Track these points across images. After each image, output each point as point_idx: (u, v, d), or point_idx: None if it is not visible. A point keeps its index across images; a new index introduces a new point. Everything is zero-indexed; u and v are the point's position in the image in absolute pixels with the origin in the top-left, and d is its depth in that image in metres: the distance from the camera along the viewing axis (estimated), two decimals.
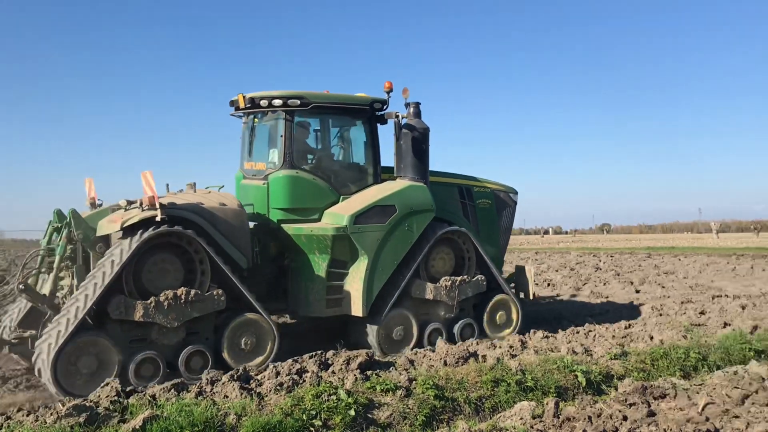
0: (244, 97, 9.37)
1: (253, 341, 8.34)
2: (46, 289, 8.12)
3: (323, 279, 9.16)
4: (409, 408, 6.21)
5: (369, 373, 6.88)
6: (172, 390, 6.26)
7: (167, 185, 9.33)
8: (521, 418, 5.83)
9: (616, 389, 7.01)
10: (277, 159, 9.40)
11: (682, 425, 5.52)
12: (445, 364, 7.48)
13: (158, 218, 7.73)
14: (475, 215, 11.09)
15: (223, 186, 9.73)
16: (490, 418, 6.22)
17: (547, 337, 9.48)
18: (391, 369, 7.22)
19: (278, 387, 6.31)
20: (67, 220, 8.07)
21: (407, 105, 9.93)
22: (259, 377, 6.75)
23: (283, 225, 9.25)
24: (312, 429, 5.64)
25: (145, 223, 7.77)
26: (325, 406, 5.86)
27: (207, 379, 6.59)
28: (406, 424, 6.06)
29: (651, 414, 5.96)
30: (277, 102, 9.20)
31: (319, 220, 9.35)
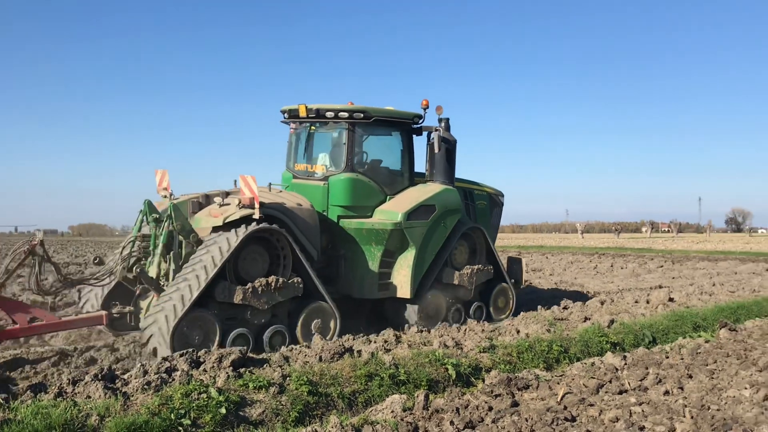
0: (306, 107, 10.65)
1: (319, 323, 9.60)
2: (151, 272, 9.07)
3: (377, 267, 10.55)
4: (282, 404, 6.17)
5: (242, 370, 6.75)
6: (29, 391, 5.88)
7: (234, 182, 10.66)
8: (392, 411, 5.93)
9: (484, 381, 7.29)
10: (335, 163, 10.85)
11: (542, 414, 5.81)
12: (321, 359, 7.48)
13: (256, 216, 8.98)
14: (474, 214, 12.69)
15: (288, 186, 11.09)
16: (363, 412, 6.28)
17: (420, 331, 9.70)
18: (265, 366, 7.12)
19: (146, 386, 6.06)
20: (168, 212, 9.03)
21: (440, 120, 11.45)
22: (125, 376, 6.46)
23: (342, 220, 10.59)
24: (180, 428, 5.47)
25: (243, 219, 8.99)
26: (194, 404, 5.71)
27: (68, 378, 6.24)
28: (278, 420, 6.01)
29: (515, 404, 6.24)
30: (344, 114, 10.61)
31: (370, 216, 10.77)
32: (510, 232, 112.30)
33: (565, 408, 6.08)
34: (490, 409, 6.03)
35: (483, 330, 9.79)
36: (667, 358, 8.42)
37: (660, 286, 17.65)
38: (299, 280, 9.38)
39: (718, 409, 6.04)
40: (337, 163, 10.81)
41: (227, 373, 6.54)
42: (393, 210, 10.68)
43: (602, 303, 12.80)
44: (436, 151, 11.34)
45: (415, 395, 6.27)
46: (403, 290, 10.63)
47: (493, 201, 13.26)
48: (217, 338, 8.58)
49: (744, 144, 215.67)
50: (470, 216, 12.50)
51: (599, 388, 6.87)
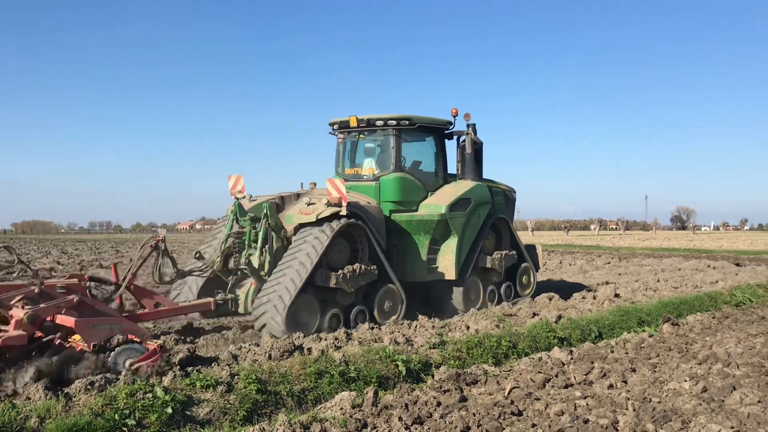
0: (357, 118, 12.01)
1: (390, 304, 11.08)
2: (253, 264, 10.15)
3: (425, 253, 11.95)
4: (230, 403, 6.11)
5: (189, 369, 6.66)
6: None
7: (301, 184, 12.37)
8: (341, 408, 5.93)
9: (433, 377, 7.33)
10: (383, 165, 12.20)
11: (489, 409, 5.87)
12: (270, 357, 7.43)
13: (343, 213, 10.32)
14: (494, 208, 13.64)
15: (350, 187, 11.80)
16: (312, 410, 6.26)
17: (372, 328, 9.72)
18: (213, 364, 7.04)
19: (89, 386, 5.92)
20: (264, 212, 10.16)
21: (468, 125, 12.87)
22: None
23: (393, 214, 11.88)
24: (125, 429, 5.37)
25: (332, 216, 10.27)
26: (140, 404, 5.61)
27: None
28: (226, 419, 5.95)
29: (463, 399, 6.30)
30: (392, 122, 11.92)
31: (416, 210, 12.10)
32: None
33: (512, 402, 6.16)
34: (439, 404, 6.07)
35: (434, 326, 9.86)
36: (612, 352, 8.61)
37: (607, 282, 18.00)
38: (374, 267, 10.75)
39: (659, 402, 6.20)
40: (386, 165, 12.15)
41: (174, 372, 6.44)
42: (437, 203, 12.10)
43: (550, 299, 13.02)
44: (468, 152, 12.73)
45: (365, 392, 6.28)
46: (449, 273, 11.97)
47: (507, 197, 14.43)
48: (318, 317, 9.92)
49: (689, 144, 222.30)
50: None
51: (546, 382, 6.98)
